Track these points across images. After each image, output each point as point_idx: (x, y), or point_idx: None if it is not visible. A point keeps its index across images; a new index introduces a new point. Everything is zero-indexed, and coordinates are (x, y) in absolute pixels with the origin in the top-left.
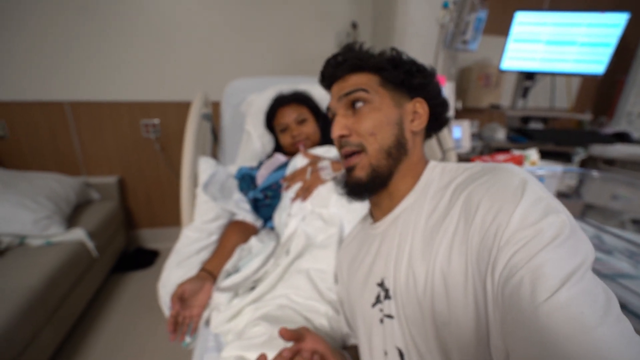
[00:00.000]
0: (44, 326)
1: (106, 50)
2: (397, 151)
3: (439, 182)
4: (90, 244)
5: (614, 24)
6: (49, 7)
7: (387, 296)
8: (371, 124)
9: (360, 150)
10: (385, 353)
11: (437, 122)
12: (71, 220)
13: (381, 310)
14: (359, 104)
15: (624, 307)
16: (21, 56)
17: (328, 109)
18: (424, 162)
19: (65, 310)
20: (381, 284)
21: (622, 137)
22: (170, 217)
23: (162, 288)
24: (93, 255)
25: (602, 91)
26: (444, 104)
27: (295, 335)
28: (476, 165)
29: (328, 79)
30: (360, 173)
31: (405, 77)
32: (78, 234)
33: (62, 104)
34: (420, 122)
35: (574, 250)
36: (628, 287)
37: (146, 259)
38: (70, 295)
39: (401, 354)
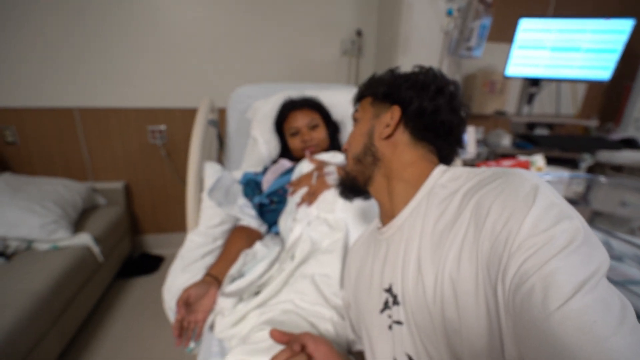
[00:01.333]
0: (49, 331)
1: (115, 57)
2: (366, 158)
3: (448, 188)
4: (96, 249)
5: (619, 30)
6: (60, 15)
7: (395, 302)
8: (351, 136)
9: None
10: None
11: (424, 122)
12: (78, 225)
13: (390, 316)
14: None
15: (637, 314)
16: (32, 63)
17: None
18: (422, 167)
19: (70, 314)
20: (389, 290)
21: (630, 143)
22: (175, 223)
23: (167, 292)
24: (99, 260)
25: (608, 97)
26: (420, 110)
27: (286, 338)
28: (486, 171)
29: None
30: (341, 174)
31: (388, 91)
32: (84, 239)
33: (72, 110)
34: (389, 129)
35: (587, 257)
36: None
37: (151, 264)
38: (75, 300)
39: None
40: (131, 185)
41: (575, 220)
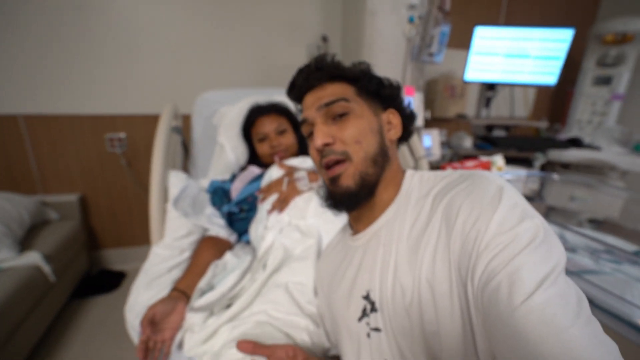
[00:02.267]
0: None
1: (67, 61)
2: (382, 159)
3: (419, 191)
4: (46, 268)
5: (561, 38)
6: (8, 15)
7: (373, 309)
8: (356, 131)
9: (344, 159)
10: None
11: (406, 132)
12: (25, 243)
13: (368, 324)
14: (341, 113)
15: (591, 302)
16: None
17: (304, 120)
18: (402, 172)
19: (16, 342)
20: (367, 297)
21: (575, 143)
22: (138, 236)
23: (130, 312)
24: (50, 279)
25: (555, 100)
26: (411, 115)
27: (251, 346)
28: (453, 173)
29: (300, 89)
30: (348, 181)
31: (378, 88)
32: (32, 258)
33: (16, 117)
34: (396, 132)
35: (547, 254)
36: (592, 283)
37: (111, 281)
38: (23, 325)
39: None
40: (88, 197)
41: (536, 219)
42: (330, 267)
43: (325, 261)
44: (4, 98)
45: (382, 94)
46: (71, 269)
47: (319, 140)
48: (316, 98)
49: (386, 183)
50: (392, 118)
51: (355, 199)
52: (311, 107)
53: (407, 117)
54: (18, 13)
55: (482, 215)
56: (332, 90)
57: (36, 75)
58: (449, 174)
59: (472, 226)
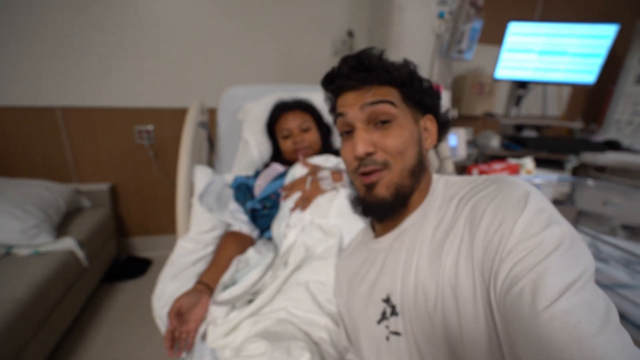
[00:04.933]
0: (31, 339)
1: (101, 55)
2: (419, 170)
3: (443, 196)
4: (80, 253)
5: (604, 35)
6: (43, 10)
7: (393, 312)
8: (401, 142)
9: (382, 168)
10: None
11: (439, 139)
12: (60, 229)
13: (387, 327)
14: (385, 119)
15: (623, 317)
16: (13, 60)
17: (340, 114)
18: (431, 177)
19: (53, 322)
20: (387, 300)
21: (613, 145)
22: (163, 225)
23: (157, 301)
24: (83, 264)
25: (591, 100)
26: (447, 123)
27: None
28: (479, 178)
29: (341, 83)
30: (384, 192)
31: (423, 95)
32: (68, 243)
33: (54, 109)
34: (432, 140)
35: (574, 260)
36: (627, 297)
37: (138, 267)
38: (59, 307)
39: None
40: (117, 187)
41: (563, 226)
42: (351, 268)
43: (345, 262)
44: (43, 91)
45: (424, 101)
46: (102, 254)
47: (360, 148)
48: (359, 97)
49: (419, 192)
50: (430, 125)
51: (389, 210)
52: (353, 105)
53: (444, 124)
54: (60, 10)
55: (506, 220)
56: (379, 92)
57: (73, 70)
58: (474, 179)
59: (495, 230)
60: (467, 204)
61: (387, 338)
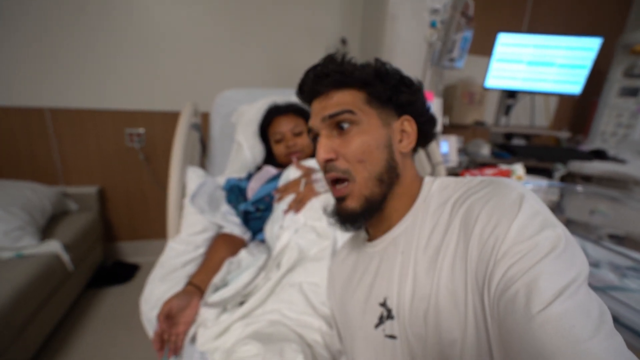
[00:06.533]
0: (10, 346)
1: (92, 57)
2: (389, 176)
3: (438, 198)
4: (65, 257)
5: (588, 47)
6: (36, 12)
7: (389, 316)
8: (359, 148)
9: (347, 178)
10: None
11: (425, 138)
12: (46, 232)
13: (383, 330)
14: (345, 125)
15: (616, 320)
16: (3, 60)
17: (310, 128)
18: (419, 180)
19: (34, 328)
20: (383, 304)
21: (599, 154)
22: (153, 230)
23: (145, 303)
24: (68, 268)
25: (577, 111)
26: (432, 120)
27: None
28: (474, 179)
29: (308, 93)
30: (353, 204)
31: (392, 93)
32: (52, 246)
33: (43, 110)
34: (410, 142)
35: (569, 264)
36: (618, 299)
37: (125, 273)
38: (41, 312)
39: None
40: (106, 190)
41: (558, 229)
42: (344, 271)
43: (338, 264)
44: (32, 91)
45: (397, 100)
46: (88, 259)
47: (320, 154)
48: (321, 107)
49: (398, 196)
50: (407, 126)
51: (362, 219)
52: (316, 116)
53: (426, 123)
54: (52, 12)
55: (500, 222)
56: (338, 99)
57: (63, 71)
58: (469, 180)
59: (490, 233)
60: (461, 206)
61: (383, 342)
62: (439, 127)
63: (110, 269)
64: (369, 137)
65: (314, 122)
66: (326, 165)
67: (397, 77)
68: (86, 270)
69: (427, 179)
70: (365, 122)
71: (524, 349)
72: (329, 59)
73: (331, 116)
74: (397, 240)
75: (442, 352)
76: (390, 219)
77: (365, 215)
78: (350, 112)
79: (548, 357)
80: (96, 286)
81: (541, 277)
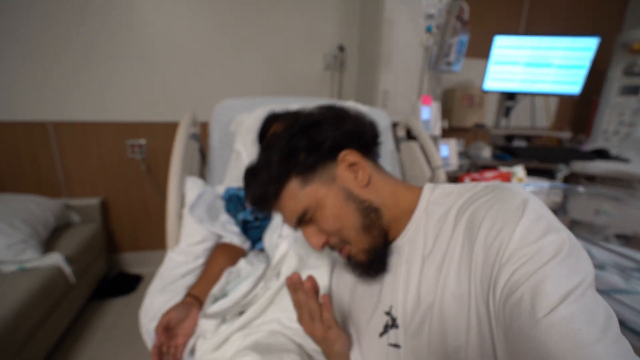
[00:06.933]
0: (13, 359)
1: (93, 70)
2: (370, 218)
3: (442, 205)
4: (67, 269)
5: (586, 47)
6: (36, 25)
7: (394, 325)
8: (332, 223)
9: (345, 243)
10: None
11: (374, 146)
12: (48, 244)
13: (388, 339)
14: (307, 218)
15: (622, 323)
16: (4, 75)
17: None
18: (407, 188)
19: (37, 341)
20: (389, 313)
21: (602, 154)
22: (155, 240)
23: (144, 315)
24: (70, 281)
25: (578, 111)
26: (362, 132)
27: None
28: (478, 185)
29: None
30: (361, 258)
31: (311, 154)
32: (55, 259)
33: (46, 124)
34: (363, 170)
35: (573, 268)
36: (623, 302)
37: (128, 284)
38: (44, 325)
39: None
40: (108, 202)
41: (562, 233)
42: (350, 281)
43: (342, 273)
44: (34, 106)
45: (320, 153)
46: (91, 271)
47: (316, 245)
48: (284, 217)
49: (393, 219)
50: (350, 158)
51: (380, 260)
52: (287, 221)
53: (360, 136)
54: (52, 25)
55: (504, 227)
56: (286, 208)
57: (63, 83)
58: (473, 186)
59: (494, 238)
60: (465, 212)
61: (387, 351)
62: (437, 131)
63: (113, 280)
64: (330, 208)
65: (289, 224)
66: (327, 246)
67: (302, 134)
68: (89, 282)
69: (427, 187)
70: (317, 202)
71: (529, 353)
72: (248, 179)
73: (298, 223)
74: (401, 250)
75: (446, 358)
76: (392, 233)
77: (376, 259)
78: (304, 213)
79: None
80: (99, 298)
81: (546, 281)
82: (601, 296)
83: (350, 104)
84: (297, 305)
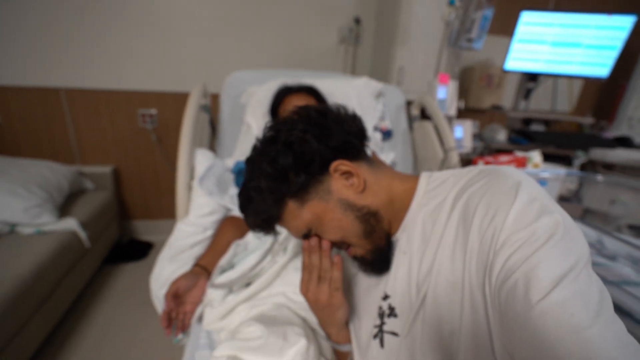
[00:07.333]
0: (33, 316)
1: (106, 38)
2: (370, 222)
3: (437, 194)
4: (82, 234)
5: (620, 26)
6: None
7: (392, 314)
8: (335, 235)
9: (351, 245)
10: None
11: (361, 146)
12: (63, 210)
13: (385, 326)
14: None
15: (630, 315)
16: (19, 41)
17: None
18: (408, 179)
19: (54, 300)
20: (387, 300)
21: (624, 142)
22: (165, 209)
23: (154, 282)
24: (85, 245)
25: (603, 95)
26: (352, 140)
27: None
28: (473, 170)
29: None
30: (367, 257)
31: (301, 172)
32: (70, 224)
33: (58, 90)
34: (357, 179)
35: (567, 250)
36: (634, 295)
37: (140, 250)
38: (61, 286)
39: None
40: (120, 170)
41: (556, 214)
42: (348, 266)
43: (347, 257)
44: (48, 72)
45: (310, 169)
46: (104, 236)
47: (323, 250)
48: (289, 232)
49: (394, 215)
50: (342, 168)
51: (385, 258)
52: (292, 235)
53: (351, 145)
54: None
55: (498, 212)
56: (291, 228)
57: (77, 51)
58: (467, 171)
59: (488, 224)
60: (460, 198)
61: (383, 338)
62: (453, 111)
63: (126, 246)
64: (330, 222)
65: (295, 237)
66: (335, 248)
67: (285, 153)
68: (103, 247)
69: (423, 176)
70: (318, 217)
71: (525, 338)
72: (244, 207)
73: (303, 238)
74: (399, 242)
75: (441, 343)
76: (391, 225)
77: (383, 254)
78: (307, 232)
79: (549, 346)
80: (113, 262)
81: (539, 265)
82: (610, 288)
83: (333, 105)
84: (308, 269)
